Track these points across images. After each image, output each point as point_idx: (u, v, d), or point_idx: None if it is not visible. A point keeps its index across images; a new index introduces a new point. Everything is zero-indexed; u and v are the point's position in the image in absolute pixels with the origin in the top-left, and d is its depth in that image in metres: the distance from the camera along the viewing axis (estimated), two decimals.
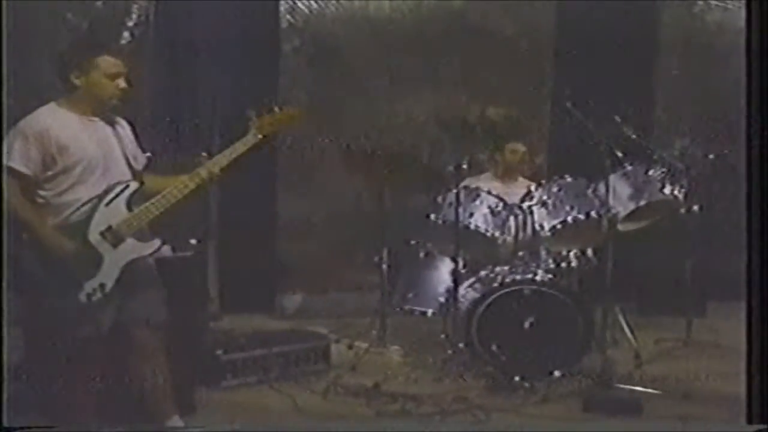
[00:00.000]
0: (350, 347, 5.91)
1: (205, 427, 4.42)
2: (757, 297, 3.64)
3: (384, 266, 5.90)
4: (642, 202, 5.52)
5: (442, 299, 5.74)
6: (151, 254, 3.95)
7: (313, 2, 6.72)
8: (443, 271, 5.76)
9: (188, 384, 4.59)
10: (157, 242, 3.96)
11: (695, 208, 5.73)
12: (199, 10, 6.26)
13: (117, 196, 3.89)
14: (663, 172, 5.57)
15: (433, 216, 5.58)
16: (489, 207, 5.54)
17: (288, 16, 6.71)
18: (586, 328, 5.29)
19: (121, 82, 3.94)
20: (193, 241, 4.76)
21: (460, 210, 5.44)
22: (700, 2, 7.14)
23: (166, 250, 4.43)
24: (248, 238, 6.73)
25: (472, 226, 5.52)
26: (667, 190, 5.54)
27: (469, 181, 5.89)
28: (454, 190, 5.43)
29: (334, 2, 6.75)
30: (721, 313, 6.80)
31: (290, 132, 6.39)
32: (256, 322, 6.45)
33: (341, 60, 6.70)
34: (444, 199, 5.56)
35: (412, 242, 5.86)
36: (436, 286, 5.83)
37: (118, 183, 3.91)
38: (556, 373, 5.19)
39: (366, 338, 5.94)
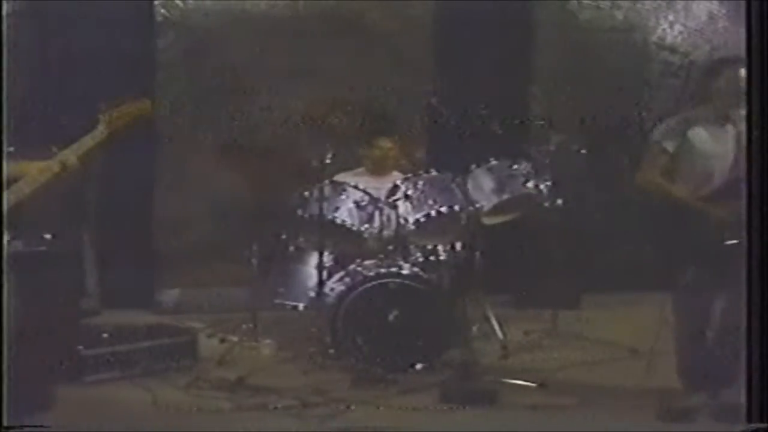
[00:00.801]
0: (222, 342, 5.93)
1: None
2: (757, 296, 3.64)
3: (255, 261, 5.94)
4: (505, 196, 5.61)
5: (312, 293, 5.75)
6: None
7: None
8: (313, 265, 5.76)
9: (46, 381, 4.57)
10: (5, 236, 3.93)
11: (559, 201, 5.84)
12: (71, 2, 6.19)
13: None
14: (527, 167, 5.69)
15: (300, 211, 5.62)
16: (354, 201, 5.58)
17: (163, 10, 6.65)
18: (451, 320, 5.38)
19: None
20: (47, 236, 4.70)
21: (326, 204, 5.48)
22: (573, 0, 7.29)
23: (18, 245, 4.38)
24: (126, 233, 6.69)
25: (338, 221, 5.55)
26: (530, 184, 5.65)
27: (341, 176, 5.94)
28: (320, 185, 5.49)
29: None
30: (595, 305, 7.05)
31: (166, 126, 6.45)
32: (134, 317, 6.41)
33: (217, 54, 6.67)
34: (311, 194, 5.59)
35: (283, 236, 5.89)
36: (307, 281, 5.84)
37: None
38: (419, 366, 5.29)
39: (238, 333, 5.98)
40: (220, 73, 6.47)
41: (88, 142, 4.09)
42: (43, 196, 4.11)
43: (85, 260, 6.35)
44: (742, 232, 3.72)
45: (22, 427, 3.83)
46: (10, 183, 3.97)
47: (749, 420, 3.69)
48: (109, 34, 6.27)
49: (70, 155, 4.04)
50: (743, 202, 3.73)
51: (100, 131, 4.10)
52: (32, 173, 3.99)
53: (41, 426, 3.95)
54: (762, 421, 3.66)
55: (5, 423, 3.74)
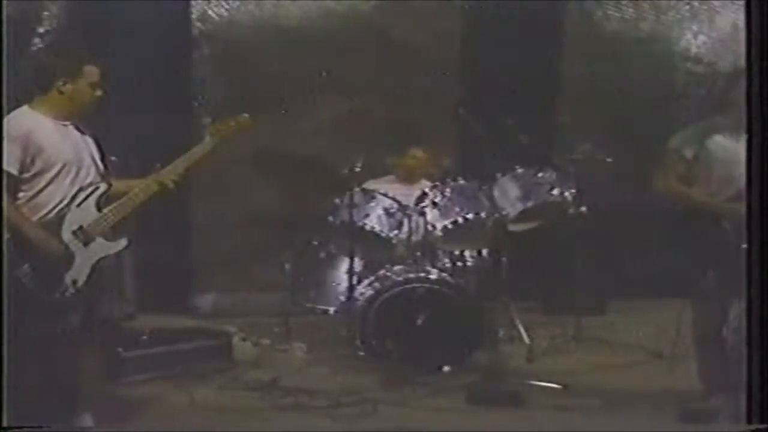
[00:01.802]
0: (256, 345, 6.10)
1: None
2: (757, 297, 3.65)
3: (287, 266, 6.13)
4: (530, 204, 5.76)
5: (342, 298, 5.95)
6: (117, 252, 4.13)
7: (223, 10, 6.88)
8: (343, 270, 5.95)
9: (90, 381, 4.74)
10: (123, 241, 4.13)
11: (583, 209, 5.98)
12: (109, 17, 6.38)
13: (88, 197, 4.06)
14: (552, 175, 5.83)
15: (331, 217, 5.81)
16: (384, 208, 5.77)
17: (198, 24, 6.87)
18: (476, 324, 5.52)
19: (99, 91, 4.12)
20: None
21: (356, 211, 5.67)
22: (599, 12, 7.41)
23: None
24: (163, 239, 6.86)
25: (367, 227, 5.74)
26: (555, 192, 5.79)
27: (370, 184, 6.11)
28: (349, 193, 5.67)
29: (244, 9, 6.91)
30: (621, 311, 7.19)
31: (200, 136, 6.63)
32: (170, 321, 6.60)
33: (251, 66, 6.87)
34: (342, 201, 5.78)
35: (314, 243, 6.07)
36: (337, 285, 6.05)
37: (90, 184, 4.08)
38: (446, 368, 5.44)
39: (271, 336, 6.18)
40: (254, 83, 6.68)
41: (197, 152, 4.28)
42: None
43: (125, 267, 6.53)
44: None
45: (22, 427, 4.00)
46: (123, 192, 4.17)
47: (749, 421, 3.71)
48: (146, 46, 6.46)
49: (183, 164, 4.22)
50: (744, 204, 3.78)
51: (208, 143, 4.29)
52: (147, 182, 4.18)
53: (41, 426, 4.09)
54: (762, 422, 3.68)
55: (5, 423, 3.88)
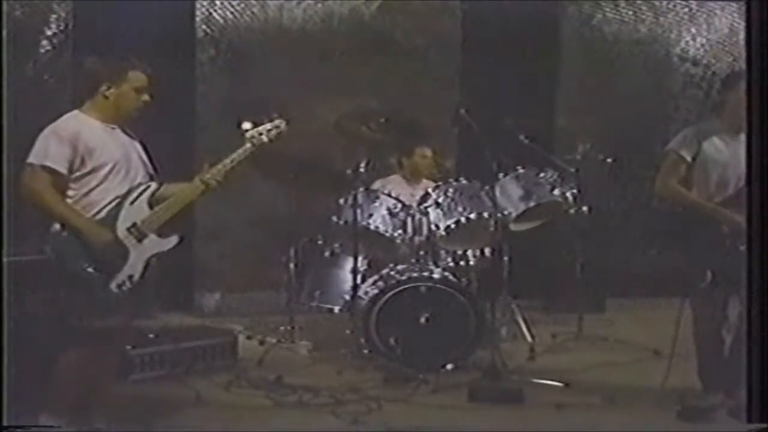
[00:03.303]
0: (261, 343, 6.19)
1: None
2: (757, 297, 3.65)
3: (291, 265, 6.22)
4: (532, 203, 5.83)
5: (347, 297, 6.03)
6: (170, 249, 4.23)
7: (228, 13, 6.97)
8: (347, 269, 6.03)
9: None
10: (175, 238, 4.22)
11: (584, 209, 6.05)
12: (117, 19, 6.45)
13: (140, 195, 4.16)
14: (554, 175, 5.90)
15: (335, 217, 5.88)
16: (387, 208, 5.84)
17: (204, 26, 6.96)
18: (479, 323, 5.58)
19: (145, 96, 4.21)
20: None
21: (359, 211, 5.72)
22: (598, 15, 7.48)
23: None
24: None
25: (371, 227, 5.81)
26: (557, 192, 5.86)
27: (374, 184, 6.19)
28: (353, 193, 5.73)
29: (248, 13, 7.00)
30: (620, 309, 7.27)
31: (205, 136, 6.73)
32: (176, 319, 6.70)
33: (255, 68, 6.95)
34: (346, 201, 5.85)
35: (319, 242, 6.15)
36: (342, 285, 6.13)
37: (141, 183, 4.18)
38: (449, 366, 5.51)
39: (276, 334, 6.26)
40: (258, 85, 6.75)
41: (238, 156, 4.35)
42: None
43: None
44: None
45: (22, 427, 4.05)
46: (170, 192, 4.27)
47: (749, 420, 3.71)
48: (153, 48, 6.51)
49: (225, 167, 4.30)
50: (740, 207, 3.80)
51: (248, 147, 4.36)
52: (194, 182, 4.27)
53: (41, 426, 4.12)
54: (762, 421, 3.68)
55: (5, 423, 3.94)
